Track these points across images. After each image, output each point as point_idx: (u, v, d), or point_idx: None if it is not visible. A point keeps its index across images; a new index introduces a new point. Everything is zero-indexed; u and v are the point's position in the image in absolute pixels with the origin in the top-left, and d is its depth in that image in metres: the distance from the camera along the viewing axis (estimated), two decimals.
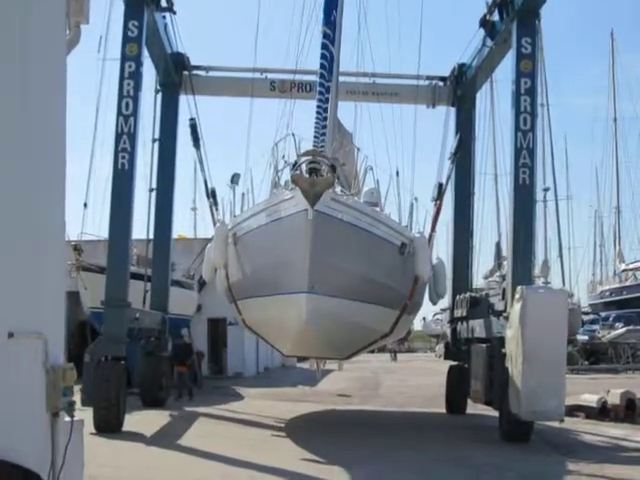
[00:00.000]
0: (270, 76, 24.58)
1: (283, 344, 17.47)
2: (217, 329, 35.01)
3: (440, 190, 21.84)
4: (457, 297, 22.17)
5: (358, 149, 14.70)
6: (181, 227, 63.96)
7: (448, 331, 23.85)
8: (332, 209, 13.68)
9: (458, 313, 21.94)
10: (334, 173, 13.43)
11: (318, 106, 13.73)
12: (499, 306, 17.65)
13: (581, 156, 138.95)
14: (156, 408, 21.43)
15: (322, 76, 13.92)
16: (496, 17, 19.19)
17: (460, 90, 24.21)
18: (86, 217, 27.03)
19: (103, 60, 24.86)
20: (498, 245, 42.46)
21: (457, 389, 21.56)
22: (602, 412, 20.09)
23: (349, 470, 12.47)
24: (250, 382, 31.20)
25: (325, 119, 13.61)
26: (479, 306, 20.60)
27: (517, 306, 15.70)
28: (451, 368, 22.59)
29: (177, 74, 23.38)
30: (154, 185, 23.08)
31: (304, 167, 12.86)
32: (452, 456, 14.64)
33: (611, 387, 21.06)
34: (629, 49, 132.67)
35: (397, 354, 60.43)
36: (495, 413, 17.95)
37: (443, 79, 24.78)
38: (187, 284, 31.67)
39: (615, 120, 67.27)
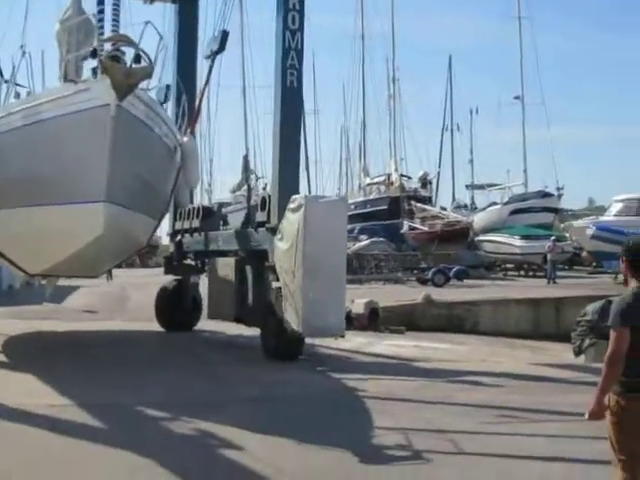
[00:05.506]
0: None
1: (42, 261, 14.72)
2: None
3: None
4: (180, 208, 20.35)
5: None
6: None
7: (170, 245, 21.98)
8: (131, 105, 11.72)
9: (186, 225, 20.14)
10: (151, 62, 11.40)
11: None
12: (260, 217, 16.38)
13: (329, 72, 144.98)
14: None
15: None
16: None
17: None
18: None
19: None
20: (246, 158, 41.56)
21: (177, 305, 20.01)
22: (347, 321, 20.05)
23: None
24: None
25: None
26: (213, 218, 19.73)
27: (292, 217, 14.57)
28: (165, 288, 20.79)
29: None
30: None
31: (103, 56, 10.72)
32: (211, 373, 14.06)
33: (355, 297, 21.00)
34: None
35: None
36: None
37: None
38: None
39: (363, 37, 69.04)
